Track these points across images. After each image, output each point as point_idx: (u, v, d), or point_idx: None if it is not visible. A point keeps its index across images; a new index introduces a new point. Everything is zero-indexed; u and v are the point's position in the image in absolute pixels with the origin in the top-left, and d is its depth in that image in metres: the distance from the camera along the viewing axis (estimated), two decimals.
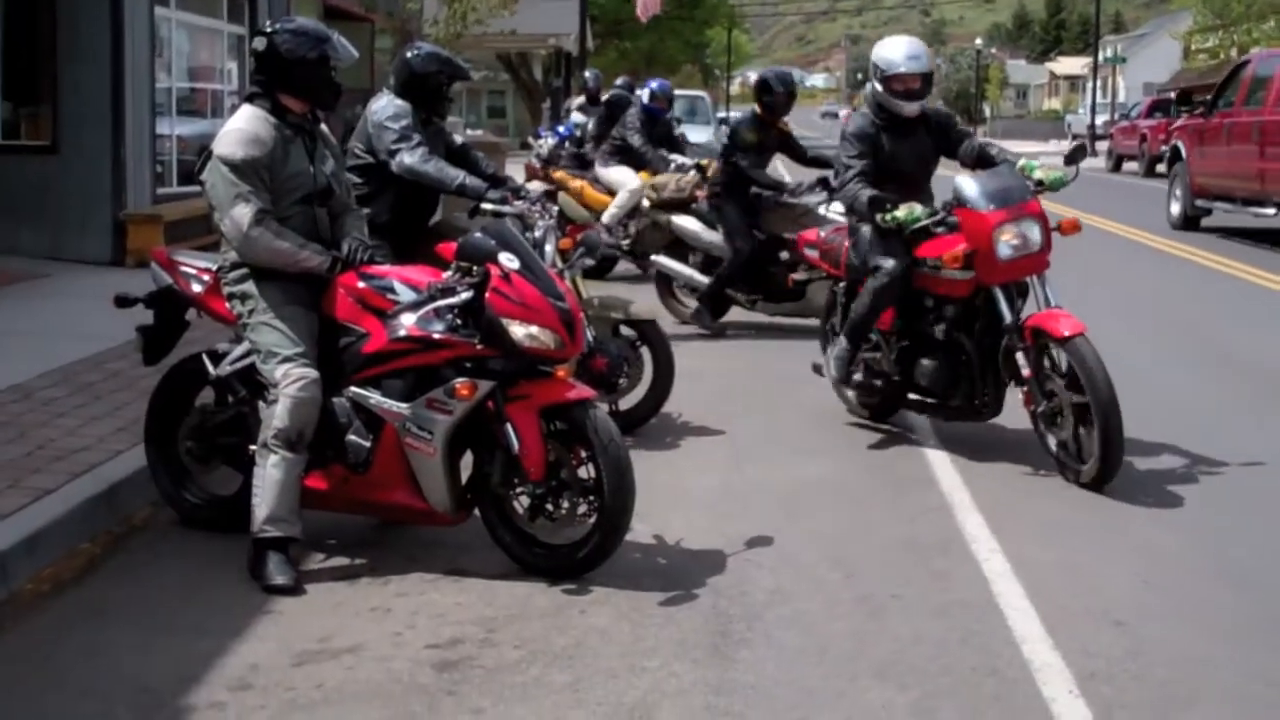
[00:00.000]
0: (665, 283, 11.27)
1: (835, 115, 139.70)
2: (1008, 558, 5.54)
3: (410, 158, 6.93)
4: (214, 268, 5.61)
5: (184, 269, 5.75)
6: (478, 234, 5.25)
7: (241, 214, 5.17)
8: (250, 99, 5.42)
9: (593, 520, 5.12)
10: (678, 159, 12.78)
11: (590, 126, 15.19)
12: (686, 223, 10.94)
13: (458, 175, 7.01)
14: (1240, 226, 19.20)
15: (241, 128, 5.28)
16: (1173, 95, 44.51)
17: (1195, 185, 19.56)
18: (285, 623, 4.79)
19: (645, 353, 7.57)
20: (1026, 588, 5.19)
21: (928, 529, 5.96)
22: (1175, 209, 20.35)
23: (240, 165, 5.19)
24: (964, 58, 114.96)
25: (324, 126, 5.67)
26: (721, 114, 40.00)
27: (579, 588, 5.10)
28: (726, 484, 6.62)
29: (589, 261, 7.14)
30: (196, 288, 5.69)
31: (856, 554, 5.60)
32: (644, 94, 13.74)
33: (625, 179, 12.44)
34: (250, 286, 5.32)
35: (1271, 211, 16.85)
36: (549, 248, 6.90)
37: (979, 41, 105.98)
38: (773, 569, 5.38)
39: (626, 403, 7.52)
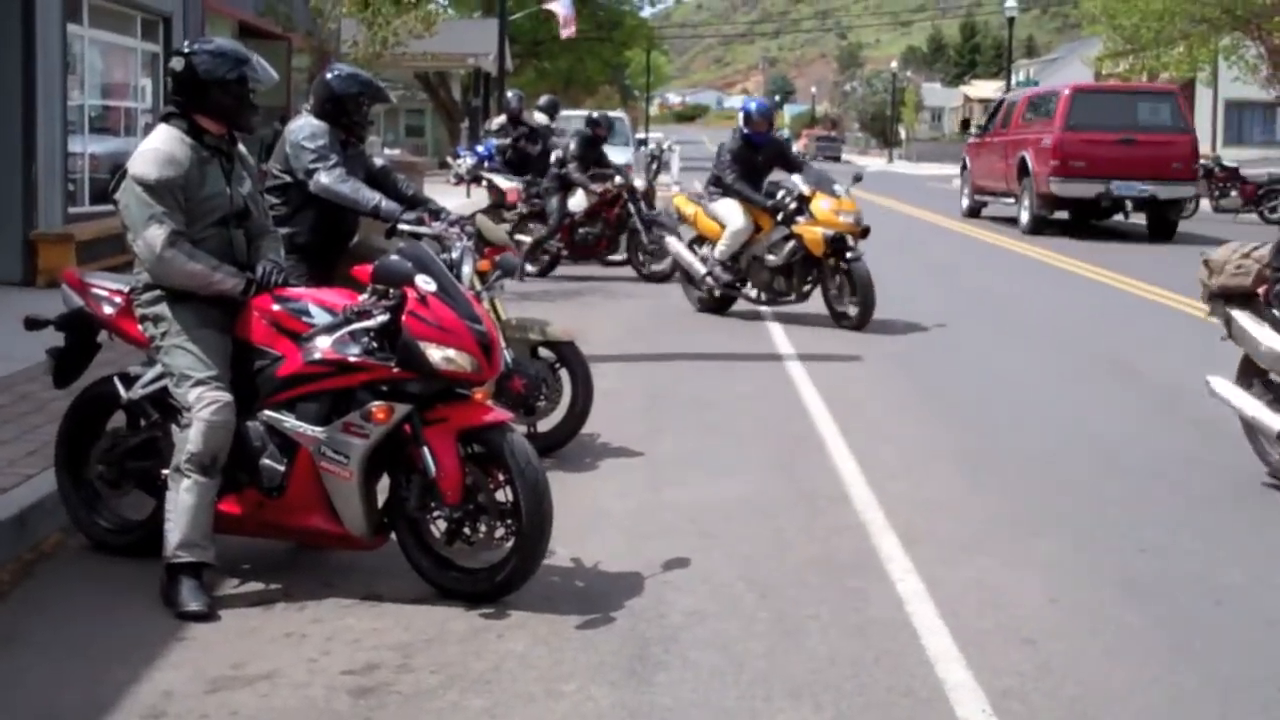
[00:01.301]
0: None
1: None
2: (921, 577, 5.61)
3: (327, 178, 6.91)
4: (126, 289, 5.56)
5: (95, 291, 5.69)
6: (394, 256, 5.24)
7: (155, 235, 5.13)
8: (167, 119, 5.39)
9: (510, 544, 5.12)
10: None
11: (572, 147, 16.19)
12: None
13: (374, 197, 7.01)
14: (1005, 215, 25.91)
15: (157, 148, 5.24)
16: None
17: (975, 185, 27.52)
18: (199, 649, 4.74)
19: (564, 374, 7.57)
20: (939, 607, 5.26)
21: (842, 549, 6.02)
22: (965, 203, 28.47)
23: (155, 186, 5.14)
24: (880, 81, 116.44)
25: (241, 147, 5.64)
26: (640, 135, 40.08)
27: (496, 612, 5.09)
28: (644, 505, 6.65)
29: (506, 283, 7.12)
30: (108, 310, 5.63)
31: (772, 574, 5.64)
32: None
33: (731, 216, 12.57)
34: (163, 308, 5.27)
35: (1011, 201, 24.87)
36: (466, 269, 6.86)
37: (894, 65, 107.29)
38: (690, 590, 5.41)
39: (546, 424, 7.52)
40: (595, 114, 18.54)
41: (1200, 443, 8.11)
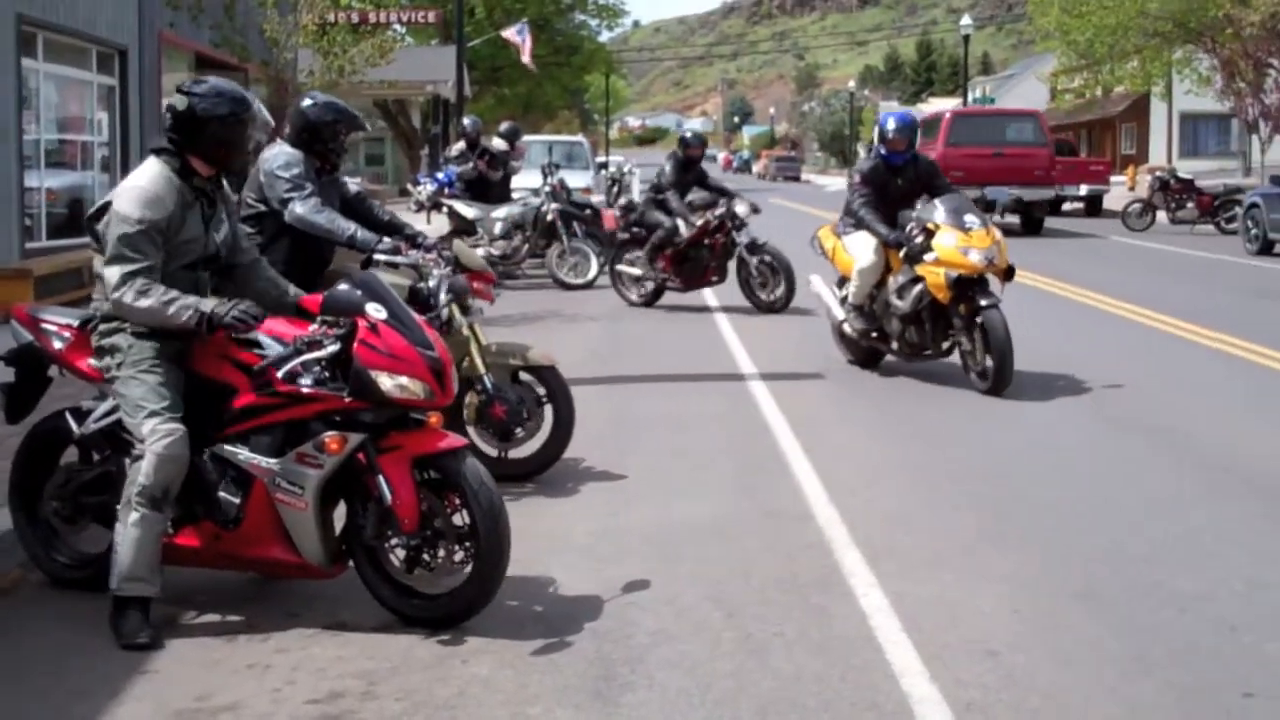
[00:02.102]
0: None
1: (713, 158, 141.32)
2: (885, 592, 5.63)
3: (302, 208, 6.89)
4: (76, 324, 5.53)
5: (45, 326, 5.64)
6: (343, 286, 5.23)
7: (114, 272, 5.10)
8: (158, 152, 5.35)
9: (469, 567, 5.11)
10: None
11: (667, 171, 15.49)
12: None
13: (349, 227, 6.98)
14: None
15: (144, 187, 5.19)
16: None
17: None
18: (161, 682, 4.71)
19: (545, 398, 7.54)
20: (903, 621, 5.28)
21: (806, 566, 6.04)
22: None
23: (137, 224, 5.09)
24: (837, 100, 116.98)
25: (225, 185, 5.61)
26: (600, 159, 40.18)
27: (460, 637, 5.08)
28: (608, 527, 6.64)
29: (456, 306, 7.07)
30: (58, 345, 5.60)
31: (737, 594, 5.65)
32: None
33: (859, 252, 10.75)
34: (120, 339, 5.24)
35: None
36: (443, 296, 6.91)
37: (852, 84, 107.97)
38: (655, 611, 5.41)
39: (527, 449, 7.51)
40: (688, 132, 16.77)
41: (1154, 449, 8.17)
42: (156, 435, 5.03)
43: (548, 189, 17.57)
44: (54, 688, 4.68)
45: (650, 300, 15.55)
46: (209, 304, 5.15)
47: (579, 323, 14.26)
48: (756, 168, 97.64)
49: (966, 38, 54.32)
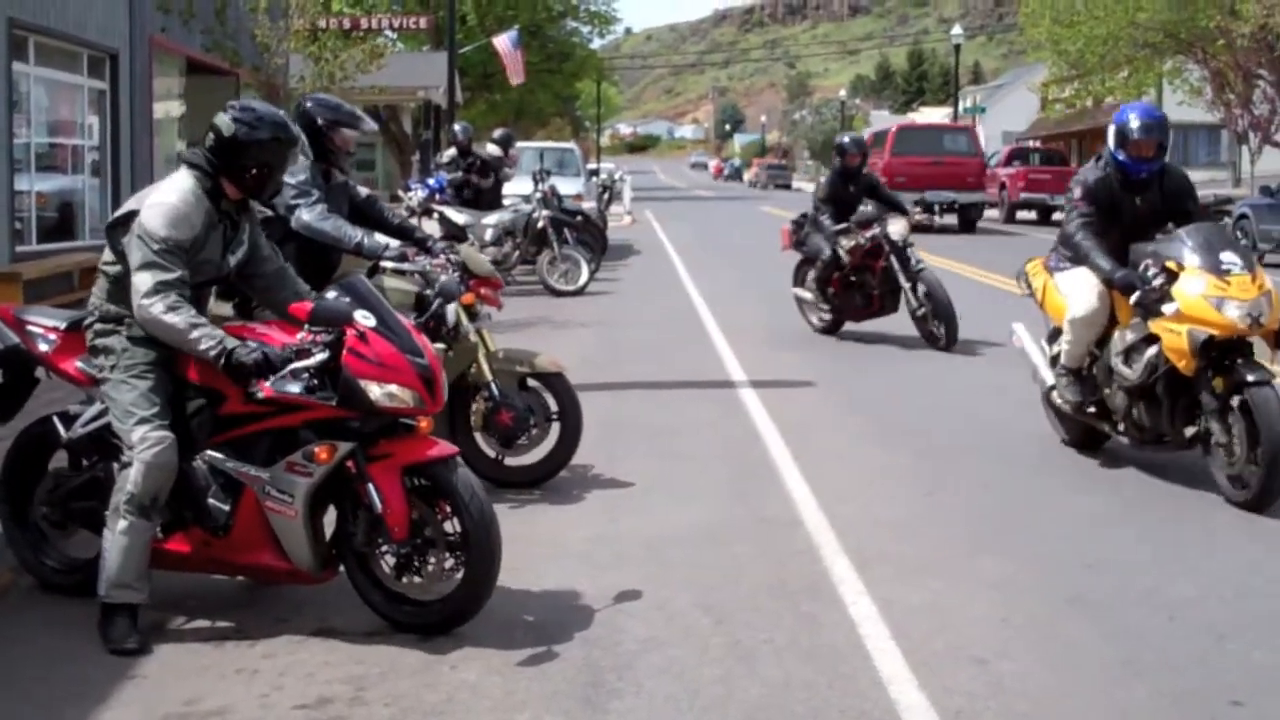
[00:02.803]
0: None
1: (704, 166, 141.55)
2: (873, 599, 5.63)
3: (308, 215, 6.89)
4: (62, 326, 5.52)
5: (31, 328, 5.62)
6: (331, 294, 5.22)
7: (143, 281, 5.03)
8: (192, 165, 5.28)
9: (460, 575, 5.11)
10: None
11: (822, 183, 13.76)
12: None
13: (355, 234, 6.97)
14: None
15: (175, 205, 5.12)
16: (1032, 144, 46.10)
17: None
18: (149, 687, 4.71)
19: (552, 405, 7.51)
20: (892, 629, 5.29)
21: (796, 573, 6.04)
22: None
23: (160, 243, 5.05)
24: (829, 109, 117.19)
25: (251, 207, 5.53)
26: (592, 165, 40.22)
27: (449, 643, 5.08)
28: (598, 533, 6.64)
29: (450, 308, 7.05)
30: (43, 347, 5.58)
31: (726, 600, 5.65)
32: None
33: (1075, 295, 8.06)
34: (115, 341, 5.22)
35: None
36: (451, 305, 6.92)
37: (843, 93, 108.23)
38: (644, 618, 5.41)
39: (533, 457, 7.50)
40: (845, 138, 13.86)
41: (1149, 458, 8.18)
42: (146, 443, 5.01)
43: (539, 195, 17.59)
44: (42, 691, 4.67)
45: (831, 329, 13.72)
46: (233, 341, 5.03)
47: (570, 329, 14.26)
48: (747, 175, 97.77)
49: (957, 47, 54.52)
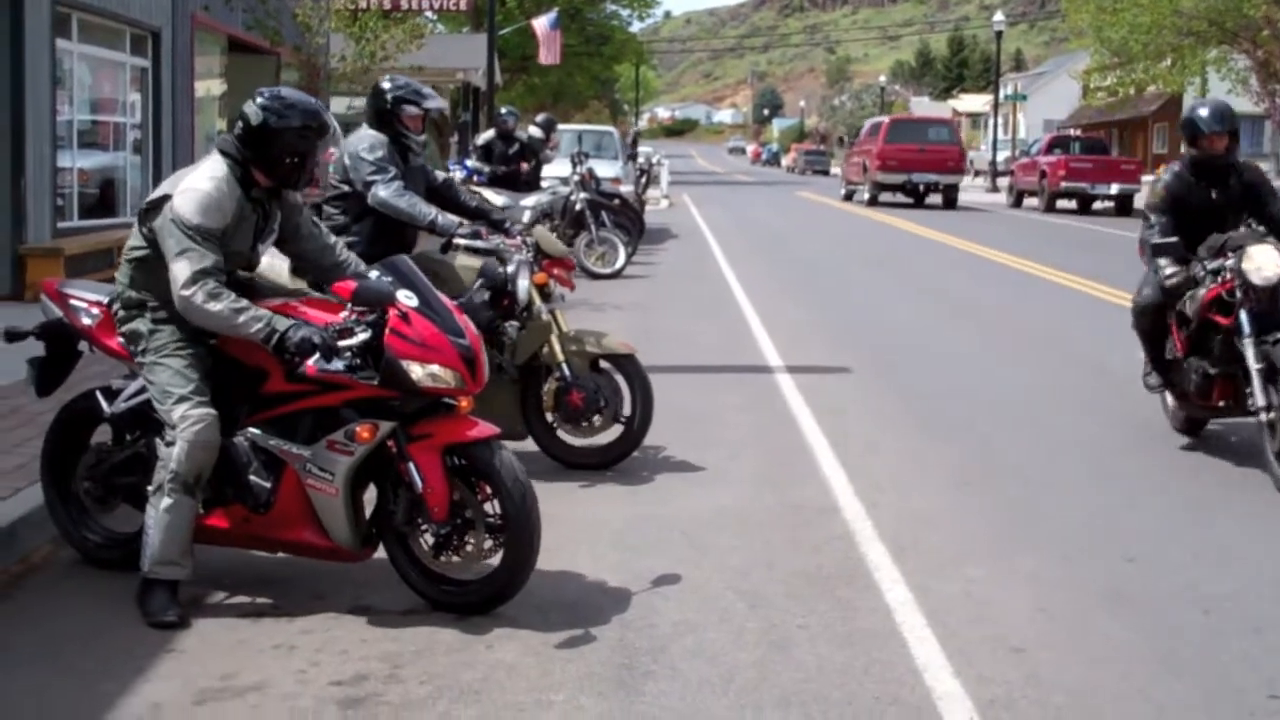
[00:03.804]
0: None
1: (742, 150, 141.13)
2: (909, 587, 5.62)
3: (384, 191, 7.05)
4: (105, 301, 5.54)
5: (73, 302, 5.65)
6: (373, 274, 5.23)
7: (180, 270, 5.01)
8: (224, 153, 5.26)
9: (499, 556, 5.12)
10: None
11: (1160, 187, 8.23)
12: None
13: (430, 211, 7.11)
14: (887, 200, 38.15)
15: (208, 192, 5.11)
16: (1073, 132, 45.67)
17: (846, 179, 42.85)
18: (188, 661, 4.74)
19: (624, 387, 7.50)
20: (928, 617, 5.27)
21: (831, 559, 6.03)
22: (842, 191, 43.09)
23: (192, 230, 5.04)
24: (868, 94, 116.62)
25: (284, 194, 5.47)
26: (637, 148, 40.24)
27: (485, 623, 5.10)
28: (634, 517, 6.65)
29: (522, 286, 7.01)
30: (86, 321, 5.61)
31: (762, 585, 5.65)
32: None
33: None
34: (140, 325, 5.24)
35: (864, 190, 38.88)
36: (521, 283, 6.97)
37: (883, 79, 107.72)
38: (679, 601, 5.42)
39: (603, 438, 7.51)
40: (1202, 109, 8.11)
41: (1181, 452, 8.14)
42: (187, 421, 5.03)
43: (576, 178, 17.59)
44: (82, 663, 4.71)
45: (1184, 427, 8.56)
46: (283, 322, 5.01)
47: (606, 312, 14.24)
48: (786, 161, 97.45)
49: (999, 34, 54.15)
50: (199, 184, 5.14)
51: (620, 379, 7.48)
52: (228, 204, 5.16)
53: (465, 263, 7.25)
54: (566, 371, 7.31)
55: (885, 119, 42.00)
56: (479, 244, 7.16)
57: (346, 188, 7.11)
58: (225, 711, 4.34)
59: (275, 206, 5.45)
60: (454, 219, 7.17)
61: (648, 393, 7.45)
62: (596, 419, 7.40)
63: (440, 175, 7.74)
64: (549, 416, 7.44)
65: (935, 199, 38.24)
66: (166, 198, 5.15)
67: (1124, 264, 20.42)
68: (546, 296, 7.38)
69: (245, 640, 4.95)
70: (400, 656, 4.79)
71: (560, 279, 7.66)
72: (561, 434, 7.49)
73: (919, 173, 37.15)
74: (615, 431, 7.50)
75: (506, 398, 7.24)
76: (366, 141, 7.16)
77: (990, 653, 4.94)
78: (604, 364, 7.51)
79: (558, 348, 7.32)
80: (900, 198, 38.62)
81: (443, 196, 7.52)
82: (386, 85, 7.39)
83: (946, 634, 5.09)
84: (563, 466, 7.43)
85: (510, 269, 6.99)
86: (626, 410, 7.47)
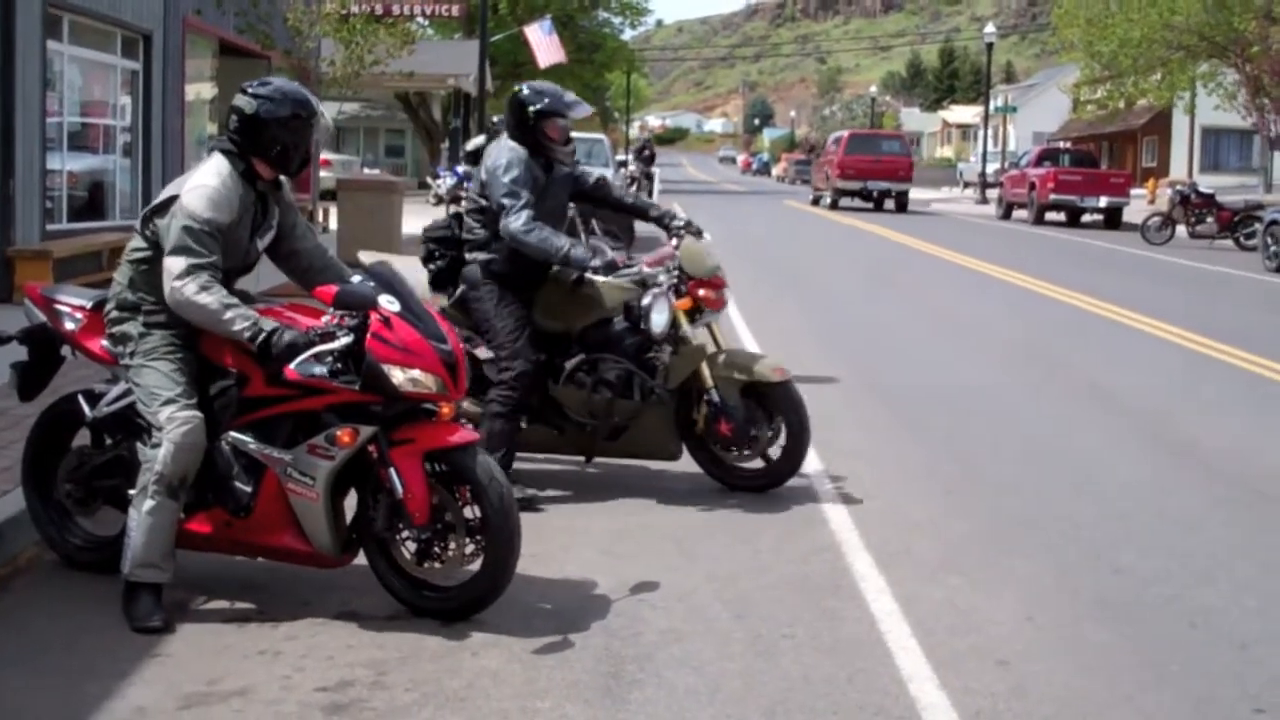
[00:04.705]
0: None
1: (733, 160, 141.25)
2: (896, 597, 5.62)
3: (514, 224, 6.68)
4: (89, 305, 5.53)
5: (58, 306, 5.63)
6: (356, 278, 5.23)
7: (175, 263, 5.04)
8: (224, 152, 5.30)
9: (480, 561, 5.11)
10: None
11: None
12: None
13: (561, 245, 6.70)
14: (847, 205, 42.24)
15: (216, 187, 5.16)
16: (1062, 145, 45.86)
17: (814, 186, 47.22)
18: (172, 665, 4.73)
19: (777, 415, 7.15)
20: (914, 627, 5.27)
21: (818, 569, 6.03)
22: (810, 197, 47.12)
23: (203, 225, 5.07)
24: (859, 105, 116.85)
25: (284, 188, 5.55)
26: (620, 157, 40.22)
27: (471, 629, 5.08)
28: (620, 524, 6.64)
29: (661, 316, 6.90)
30: (69, 325, 5.59)
31: (748, 594, 5.65)
32: None
33: None
34: (131, 327, 5.24)
35: (828, 196, 43.10)
36: (658, 317, 6.87)
37: (873, 89, 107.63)
38: (666, 609, 5.41)
39: (759, 462, 7.23)
40: None
41: (1169, 463, 8.15)
42: (174, 424, 5.02)
43: None
44: (66, 667, 4.69)
45: None
46: (269, 323, 5.02)
47: None
48: (776, 171, 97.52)
49: (990, 46, 54.24)
50: (207, 180, 5.19)
51: (773, 405, 7.12)
52: (234, 200, 5.21)
53: (614, 282, 6.99)
54: (716, 398, 7.02)
55: (845, 133, 47.26)
56: (616, 280, 6.91)
57: (484, 202, 6.83)
58: (210, 717, 4.32)
59: (274, 202, 5.48)
60: (586, 254, 6.71)
61: (800, 418, 7.08)
62: (745, 450, 7.16)
63: (593, 174, 7.43)
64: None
65: (889, 205, 43.03)
66: (174, 199, 5.19)
67: (1114, 277, 20.51)
68: (696, 315, 7.18)
69: (230, 645, 4.93)
70: (385, 663, 4.78)
71: (708, 300, 7.27)
72: (716, 459, 7.25)
73: (874, 180, 41.99)
74: (771, 455, 7.21)
75: (660, 419, 7.11)
76: (505, 157, 6.76)
77: (976, 663, 4.93)
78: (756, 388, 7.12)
79: (706, 374, 7.03)
80: (859, 202, 43.06)
81: (597, 198, 7.36)
82: (528, 96, 6.90)
83: (932, 644, 5.09)
84: (723, 487, 7.25)
85: (646, 301, 6.85)
86: (781, 442, 7.14)
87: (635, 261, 7.15)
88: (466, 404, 6.80)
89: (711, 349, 7.27)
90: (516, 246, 6.73)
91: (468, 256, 7.00)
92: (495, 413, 6.77)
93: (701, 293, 7.22)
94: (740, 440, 7.09)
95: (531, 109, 6.84)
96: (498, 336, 6.85)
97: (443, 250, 7.24)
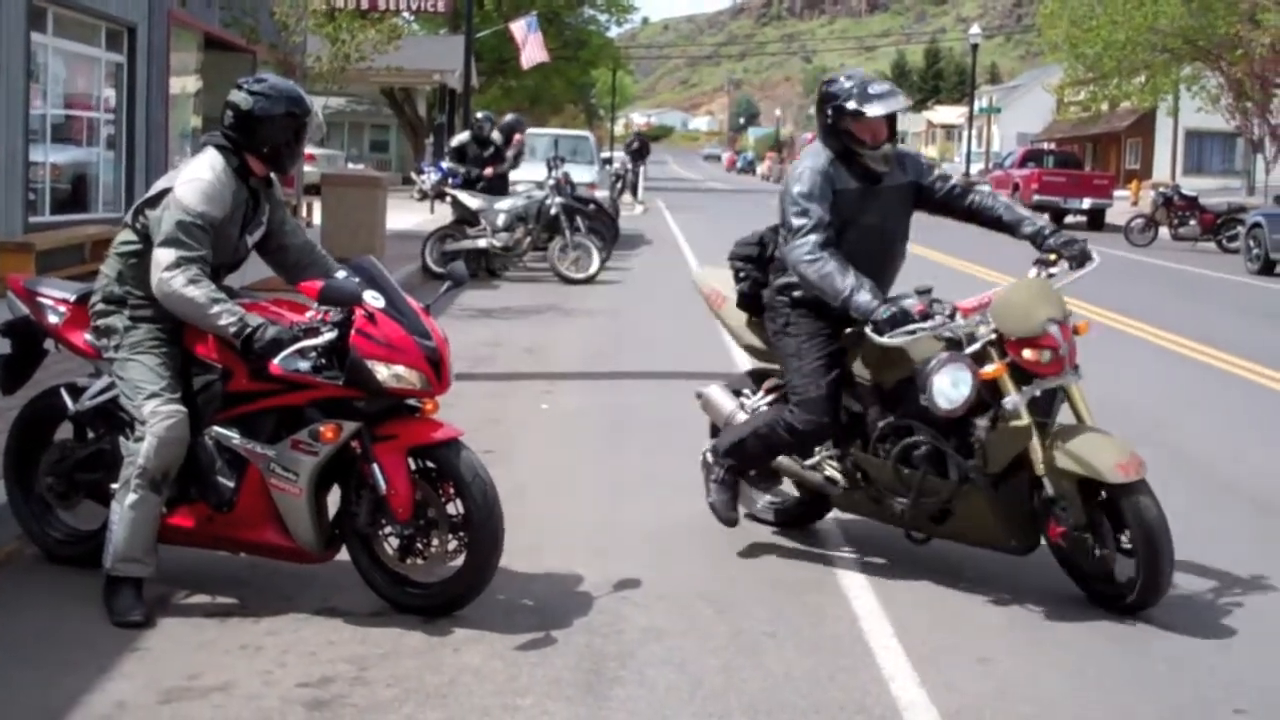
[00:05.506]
0: None
1: (718, 158, 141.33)
2: (877, 595, 5.63)
3: (795, 252, 5.70)
4: (72, 298, 5.51)
5: (41, 300, 5.61)
6: (341, 273, 5.22)
7: (164, 255, 5.03)
8: (218, 147, 5.29)
9: (463, 557, 5.11)
10: None
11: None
12: None
13: (843, 289, 5.56)
14: None
15: (210, 181, 5.15)
16: (1046, 146, 46.21)
17: None
18: (153, 660, 4.71)
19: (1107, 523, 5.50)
20: (895, 625, 5.29)
21: (799, 566, 6.04)
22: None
23: (196, 218, 5.06)
24: None
25: (275, 185, 5.56)
26: (605, 154, 40.22)
27: (453, 626, 5.08)
28: (602, 521, 6.64)
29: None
30: (53, 319, 5.57)
31: (730, 591, 5.66)
32: None
33: None
34: (116, 320, 5.23)
35: None
36: (943, 389, 5.40)
37: None
38: (647, 607, 5.42)
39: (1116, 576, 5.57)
40: None
41: (1152, 466, 8.16)
42: (158, 417, 5.01)
43: (552, 182, 17.59)
44: (44, 660, 4.68)
45: None
46: (254, 318, 5.00)
47: (578, 317, 14.26)
48: (761, 169, 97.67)
49: (975, 47, 54.39)
50: (201, 174, 5.18)
51: (1116, 514, 5.43)
52: (227, 195, 5.20)
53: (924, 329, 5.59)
54: (1049, 490, 5.47)
55: (809, 135, 49.98)
56: (909, 338, 5.50)
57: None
58: (189, 711, 4.31)
59: (265, 198, 5.48)
60: (873, 302, 5.50)
61: (1152, 549, 5.31)
62: (1085, 562, 5.57)
63: (950, 181, 6.16)
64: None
65: None
66: (167, 191, 5.18)
67: (1095, 278, 20.54)
68: (1026, 381, 5.51)
69: (211, 640, 4.92)
70: (367, 659, 4.78)
71: (1034, 366, 5.50)
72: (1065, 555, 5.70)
73: None
74: (1124, 572, 5.47)
75: (978, 508, 5.64)
76: (802, 164, 5.82)
77: (956, 662, 4.95)
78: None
79: (1038, 456, 5.45)
80: None
81: (956, 209, 6.11)
82: (829, 90, 5.81)
83: (913, 642, 5.10)
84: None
85: (931, 365, 5.45)
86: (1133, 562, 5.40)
87: (945, 306, 5.69)
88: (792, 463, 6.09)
89: (1071, 421, 5.70)
90: (798, 277, 5.78)
91: (771, 279, 6.10)
92: (757, 432, 6.09)
93: (1027, 355, 5.50)
94: (1076, 551, 5.55)
95: (830, 105, 5.78)
96: (792, 378, 5.91)
97: (748, 270, 6.25)
